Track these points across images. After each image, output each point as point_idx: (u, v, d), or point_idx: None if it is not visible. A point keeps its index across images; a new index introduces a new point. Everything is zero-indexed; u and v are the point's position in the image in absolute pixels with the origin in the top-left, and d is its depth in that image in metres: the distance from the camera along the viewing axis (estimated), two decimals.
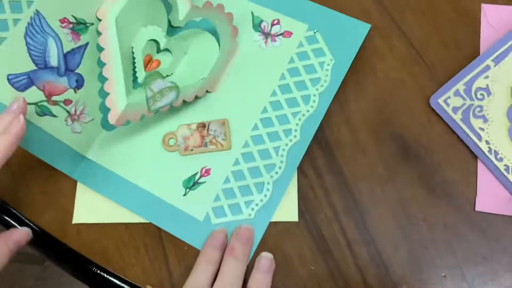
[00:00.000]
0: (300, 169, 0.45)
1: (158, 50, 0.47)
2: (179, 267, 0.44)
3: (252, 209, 0.43)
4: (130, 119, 0.43)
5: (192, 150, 0.45)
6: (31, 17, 0.44)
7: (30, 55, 0.44)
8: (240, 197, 0.44)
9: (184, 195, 0.44)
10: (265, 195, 0.44)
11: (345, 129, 0.46)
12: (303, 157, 0.44)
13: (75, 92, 0.46)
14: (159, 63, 0.47)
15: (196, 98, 0.46)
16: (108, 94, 0.43)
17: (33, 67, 0.44)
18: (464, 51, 0.47)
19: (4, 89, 0.41)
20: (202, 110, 0.46)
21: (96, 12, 0.47)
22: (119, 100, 0.42)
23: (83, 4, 0.46)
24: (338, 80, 0.46)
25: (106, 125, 0.46)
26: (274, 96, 0.46)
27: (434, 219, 0.43)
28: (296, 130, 0.45)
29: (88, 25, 0.47)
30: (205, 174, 0.44)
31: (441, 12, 0.49)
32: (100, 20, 0.46)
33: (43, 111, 0.45)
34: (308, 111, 0.45)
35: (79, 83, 0.46)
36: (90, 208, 0.45)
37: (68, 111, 0.46)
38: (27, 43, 0.44)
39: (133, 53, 0.46)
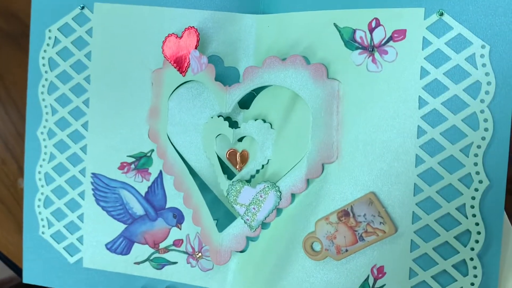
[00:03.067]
0: None
1: (238, 139, 0.36)
2: None
3: None
4: (236, 249, 0.35)
5: (347, 250, 0.33)
6: (91, 183, 0.39)
7: (112, 216, 0.39)
8: None
9: None
10: (475, 276, 0.30)
11: None
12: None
13: (180, 228, 0.38)
14: (247, 152, 0.36)
15: (311, 181, 0.34)
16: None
17: (122, 226, 0.39)
18: None
19: (110, 260, 0.39)
20: (332, 192, 0.33)
21: (148, 136, 0.37)
22: (212, 233, 0.36)
23: (130, 138, 0.38)
24: (509, 71, 0.29)
25: None
26: (423, 134, 0.31)
27: None
28: (478, 173, 0.30)
29: (148, 154, 0.38)
30: (380, 276, 0.32)
31: None
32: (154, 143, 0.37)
33: (159, 263, 0.38)
34: (483, 138, 0.30)
35: (178, 217, 0.38)
36: None
37: (185, 252, 0.38)
38: (103, 208, 0.39)
39: (209, 159, 0.36)
